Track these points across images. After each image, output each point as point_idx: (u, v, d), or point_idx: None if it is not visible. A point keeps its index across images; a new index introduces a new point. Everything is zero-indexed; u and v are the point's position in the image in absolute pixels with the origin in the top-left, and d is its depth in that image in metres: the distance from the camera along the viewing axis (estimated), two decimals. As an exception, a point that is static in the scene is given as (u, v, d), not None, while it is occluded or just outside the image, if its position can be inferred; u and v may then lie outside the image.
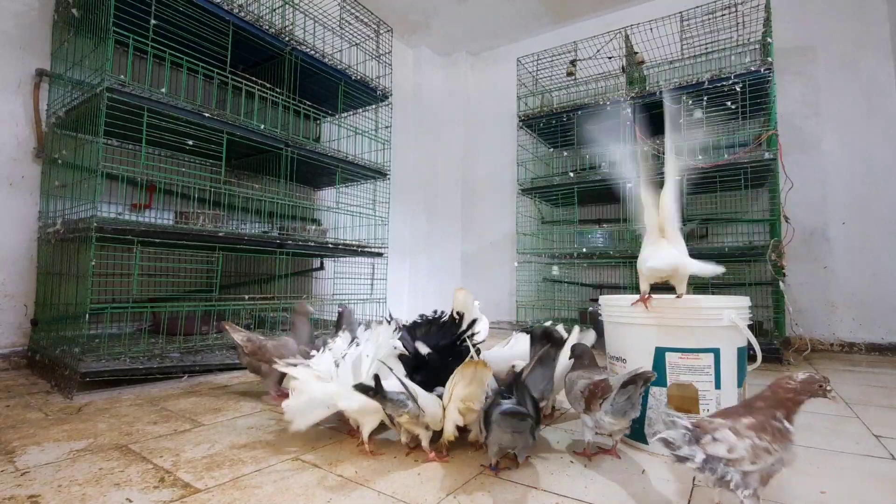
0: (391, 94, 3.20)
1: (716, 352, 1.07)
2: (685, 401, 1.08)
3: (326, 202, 3.37)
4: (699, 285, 2.69)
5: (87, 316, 1.70)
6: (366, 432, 1.11)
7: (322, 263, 3.36)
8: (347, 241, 2.90)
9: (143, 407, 1.48)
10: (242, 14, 2.33)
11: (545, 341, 1.15)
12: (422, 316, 1.33)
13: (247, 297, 2.52)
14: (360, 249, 2.94)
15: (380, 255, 3.08)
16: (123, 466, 1.01)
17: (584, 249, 3.18)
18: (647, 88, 3.00)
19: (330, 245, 2.75)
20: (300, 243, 2.54)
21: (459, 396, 1.03)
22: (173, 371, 1.85)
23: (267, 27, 2.46)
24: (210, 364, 1.97)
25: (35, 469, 0.99)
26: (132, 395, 1.63)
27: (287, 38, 2.56)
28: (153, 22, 2.00)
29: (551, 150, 3.82)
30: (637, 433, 1.14)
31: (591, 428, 1.06)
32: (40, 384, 1.76)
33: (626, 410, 0.99)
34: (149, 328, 2.37)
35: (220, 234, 2.13)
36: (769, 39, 2.64)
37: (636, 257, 3.14)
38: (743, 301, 1.13)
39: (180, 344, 2.05)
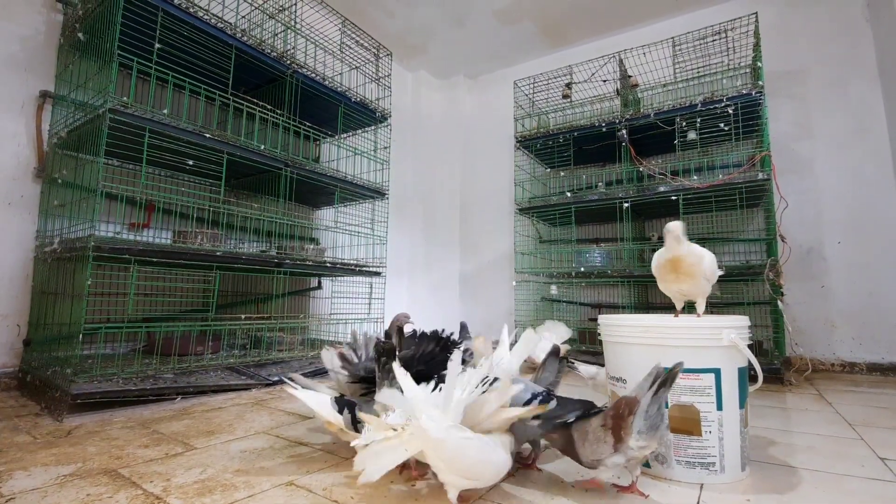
0: (390, 116, 3.25)
1: (716, 372, 1.06)
2: (687, 422, 1.06)
3: (325, 221, 3.38)
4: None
5: (81, 336, 1.68)
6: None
7: (320, 282, 3.35)
8: (345, 260, 2.90)
9: (134, 430, 1.44)
10: (245, 38, 2.39)
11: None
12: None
13: (243, 316, 2.50)
14: (358, 268, 2.93)
15: (378, 274, 3.07)
16: (112, 492, 0.98)
17: (582, 268, 3.18)
18: (642, 111, 3.06)
19: (328, 264, 2.75)
20: (298, 262, 2.54)
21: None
22: (167, 392, 1.81)
23: (269, 51, 2.51)
24: (204, 385, 1.94)
25: (20, 495, 0.96)
26: (124, 417, 1.59)
27: (288, 62, 2.61)
28: (157, 46, 2.04)
29: (548, 170, 3.87)
30: (639, 456, 1.12)
31: (621, 465, 0.90)
32: (30, 406, 1.72)
33: (658, 424, 0.87)
34: (143, 348, 2.34)
35: (218, 254, 2.12)
36: (759, 63, 2.71)
37: (633, 276, 3.12)
38: (742, 320, 1.12)
39: (174, 365, 2.02)
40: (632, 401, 0.88)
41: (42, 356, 1.96)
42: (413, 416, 0.87)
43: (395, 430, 0.87)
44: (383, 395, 0.91)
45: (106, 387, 1.67)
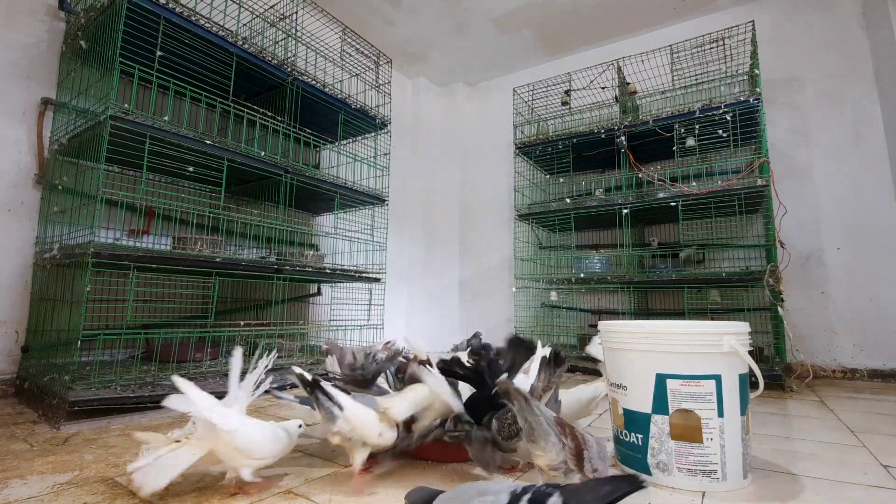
0: (390, 123, 3.27)
1: (717, 378, 1.06)
2: (688, 430, 1.06)
3: (325, 227, 3.39)
4: (697, 311, 2.68)
5: (80, 343, 1.67)
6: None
7: (319, 289, 3.34)
8: (345, 267, 2.90)
9: (131, 437, 1.43)
10: (246, 46, 2.40)
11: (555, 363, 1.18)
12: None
13: (242, 323, 2.49)
14: (357, 275, 2.93)
15: (377, 280, 3.07)
16: (109, 501, 0.97)
17: (582, 275, 3.18)
18: (641, 117, 3.07)
19: (328, 270, 2.74)
20: (297, 269, 2.54)
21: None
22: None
23: (270, 59, 2.53)
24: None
25: (16, 504, 0.95)
26: (121, 424, 1.58)
27: (289, 69, 2.62)
28: (159, 53, 2.05)
29: (547, 176, 3.88)
30: (639, 463, 1.11)
31: None
32: (27, 413, 1.71)
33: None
34: (142, 355, 2.33)
35: (218, 260, 2.12)
36: (756, 71, 2.73)
37: (633, 282, 3.13)
38: (743, 326, 1.12)
39: (173, 371, 2.01)
40: None
41: (40, 363, 1.95)
42: (206, 419, 0.95)
43: (178, 441, 0.98)
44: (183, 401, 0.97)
45: (104, 394, 1.66)
